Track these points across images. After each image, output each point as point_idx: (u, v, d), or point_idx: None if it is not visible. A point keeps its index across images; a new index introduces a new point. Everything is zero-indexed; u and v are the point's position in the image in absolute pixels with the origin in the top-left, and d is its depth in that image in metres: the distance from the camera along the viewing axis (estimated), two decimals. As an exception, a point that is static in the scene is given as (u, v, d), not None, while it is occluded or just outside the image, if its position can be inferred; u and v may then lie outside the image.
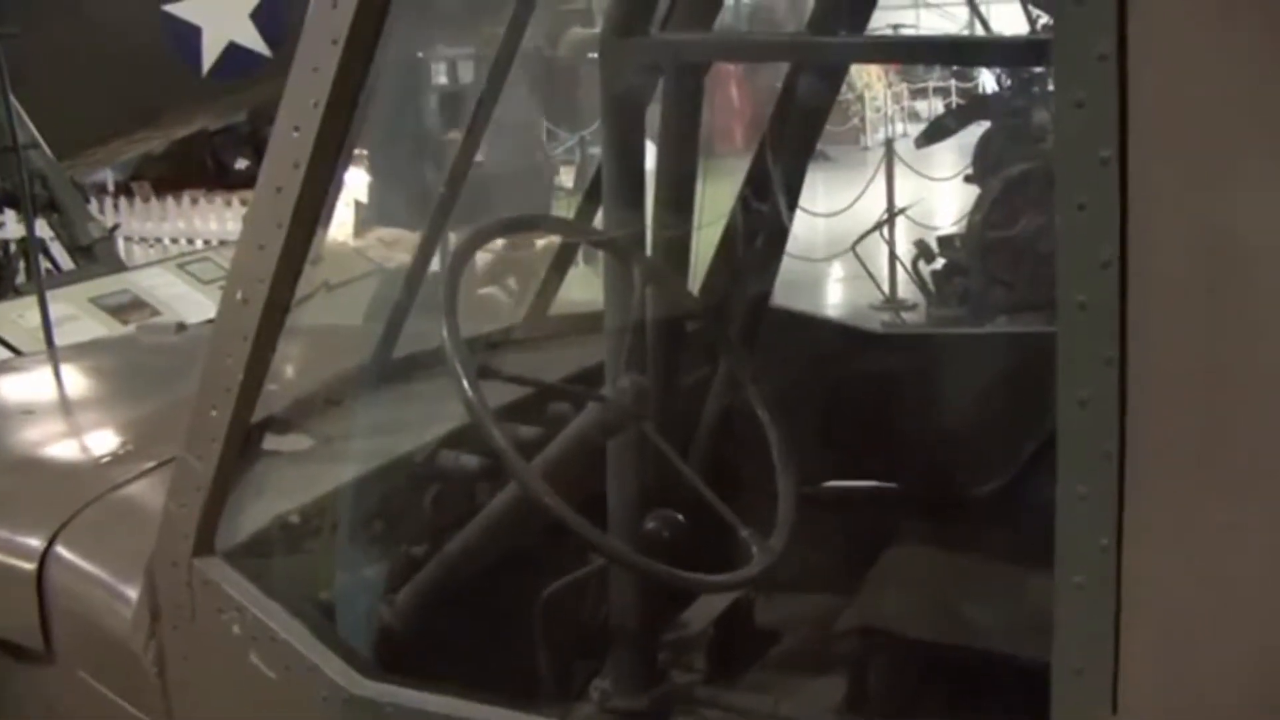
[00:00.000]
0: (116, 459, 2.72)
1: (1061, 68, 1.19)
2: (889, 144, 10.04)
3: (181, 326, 4.09)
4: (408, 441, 2.55)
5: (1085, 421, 1.22)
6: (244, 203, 13.79)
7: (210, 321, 6.41)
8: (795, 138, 2.98)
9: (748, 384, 2.47)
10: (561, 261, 2.95)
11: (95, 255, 8.92)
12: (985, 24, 10.89)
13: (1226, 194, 1.15)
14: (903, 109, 21.39)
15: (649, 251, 2.60)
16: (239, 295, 1.90)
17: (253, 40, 11.29)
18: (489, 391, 2.04)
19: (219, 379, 1.96)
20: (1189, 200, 1.16)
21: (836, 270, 9.91)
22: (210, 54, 11.60)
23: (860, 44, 2.38)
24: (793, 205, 3.12)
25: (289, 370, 2.67)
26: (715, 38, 2.48)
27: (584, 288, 3.12)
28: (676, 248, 2.61)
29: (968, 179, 8.99)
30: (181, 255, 9.12)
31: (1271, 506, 1.17)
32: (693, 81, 2.49)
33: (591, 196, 2.86)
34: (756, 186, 3.03)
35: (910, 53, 2.59)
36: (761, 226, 3.06)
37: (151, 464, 2.53)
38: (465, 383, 1.93)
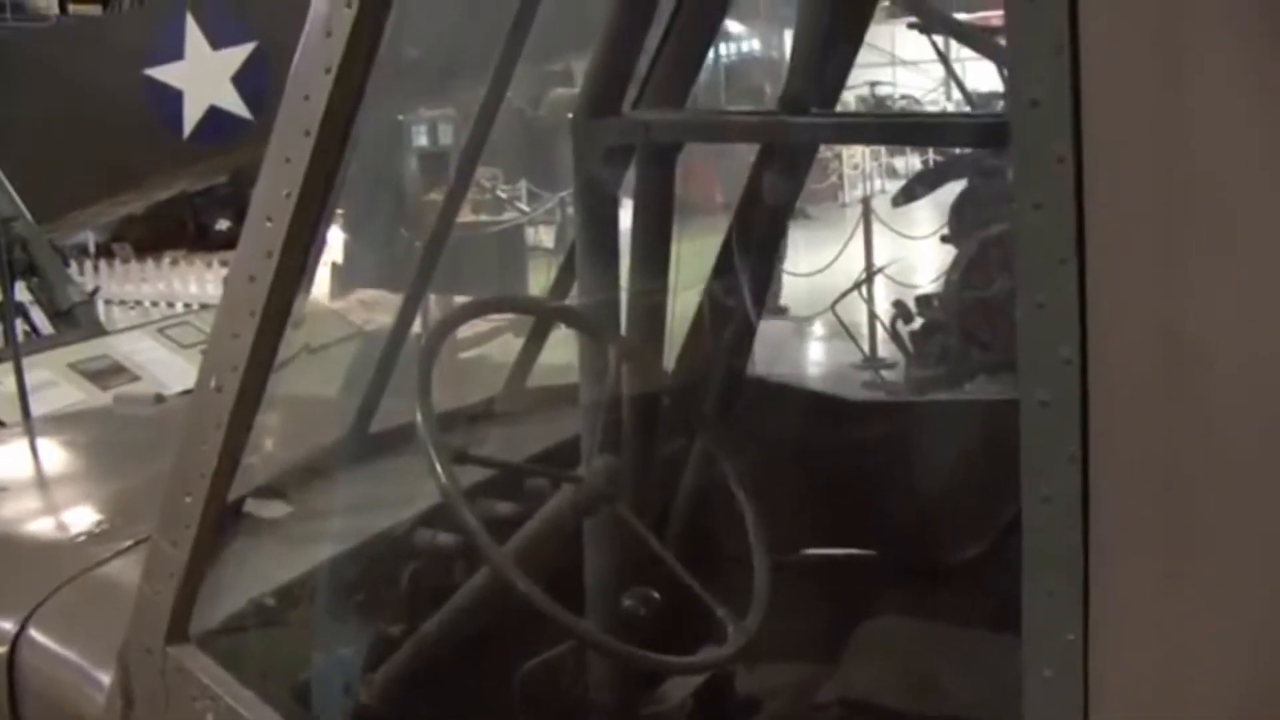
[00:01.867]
0: (92, 538, 2.70)
1: (1020, 170, 1.21)
2: (866, 202, 10.11)
3: (159, 398, 4.07)
4: (384, 520, 2.55)
5: (1050, 517, 1.23)
6: (224, 264, 13.82)
7: (188, 392, 6.38)
8: (770, 208, 3.00)
9: (723, 460, 2.48)
10: (537, 336, 2.96)
11: (75, 319, 8.90)
12: (960, 84, 11.00)
13: (1181, 293, 1.17)
14: (880, 165, 21.54)
15: (624, 326, 2.62)
16: (213, 383, 1.90)
17: (234, 104, 11.35)
18: (466, 468, 2.05)
19: (193, 465, 1.96)
20: (1146, 299, 1.18)
21: (817, 329, 9.94)
22: (192, 118, 11.66)
23: (832, 125, 2.42)
24: (769, 275, 3.15)
25: (267, 443, 2.68)
26: (686, 118, 2.51)
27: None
28: (651, 323, 2.63)
29: (944, 239, 9.06)
30: (161, 320, 9.11)
31: (1233, 600, 1.18)
32: (665, 159, 2.52)
33: (568, 270, 2.88)
34: (732, 256, 3.05)
35: (881, 134, 2.63)
36: (738, 298, 3.08)
37: (128, 543, 2.52)
38: (440, 470, 1.94)
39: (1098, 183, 1.18)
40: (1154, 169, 1.16)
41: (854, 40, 2.90)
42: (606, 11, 2.42)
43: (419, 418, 1.99)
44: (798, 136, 2.58)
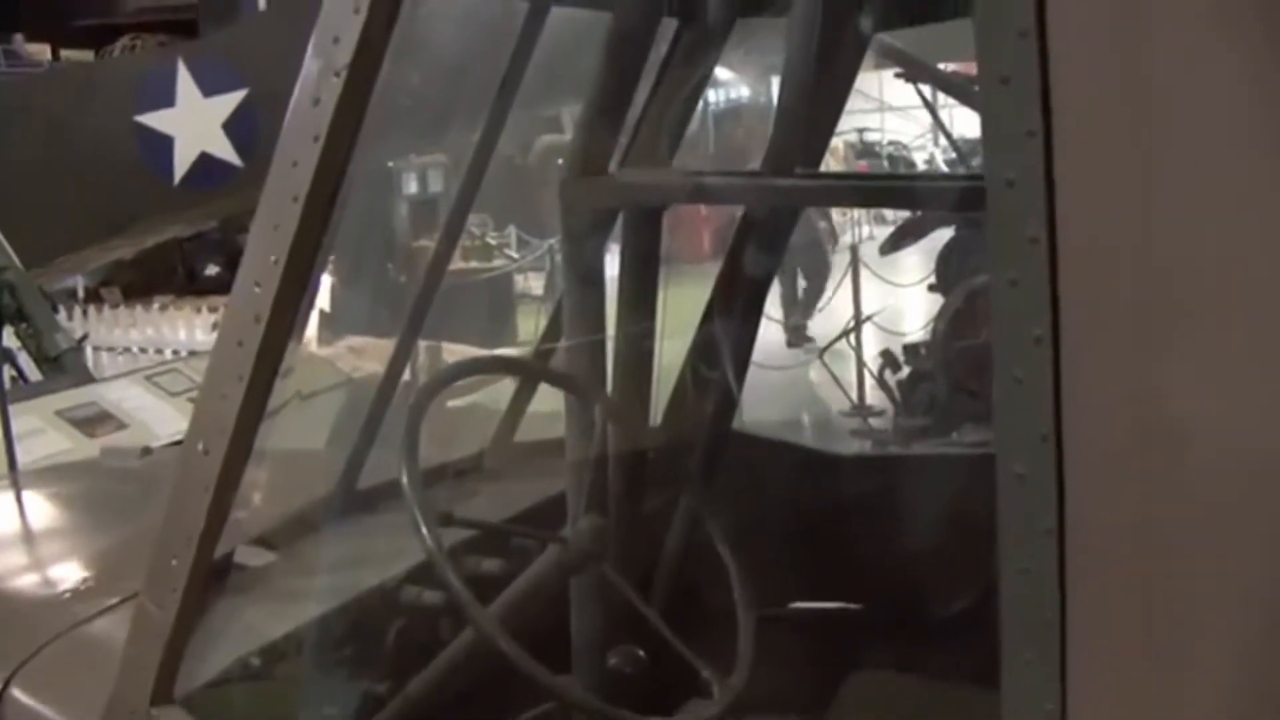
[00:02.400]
0: (77, 595, 2.70)
1: (995, 248, 1.23)
2: (854, 250, 10.17)
3: (146, 450, 4.07)
4: (371, 577, 2.55)
5: (1027, 589, 1.25)
6: (213, 310, 13.82)
7: (176, 443, 6.39)
8: (755, 265, 3.03)
9: (708, 520, 2.50)
10: (523, 394, 2.97)
11: (63, 366, 8.89)
12: (946, 132, 11.08)
13: (1155, 370, 1.19)
14: (869, 212, 21.65)
15: (610, 385, 2.63)
16: (200, 446, 1.92)
17: (225, 151, 11.40)
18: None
19: (180, 527, 1.96)
20: (1121, 376, 1.20)
21: (805, 375, 9.96)
22: (182, 164, 11.69)
23: (817, 188, 2.45)
24: (754, 330, 3.17)
25: (255, 497, 2.68)
26: (673, 179, 2.54)
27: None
28: (638, 381, 2.65)
29: (931, 288, 9.11)
30: (149, 367, 9.10)
31: (1209, 673, 1.20)
32: (651, 218, 2.54)
33: (554, 327, 2.90)
34: (719, 311, 3.07)
35: (866, 197, 2.67)
36: (724, 353, 3.10)
37: (113, 601, 2.52)
38: (426, 534, 1.95)
39: (1071, 263, 1.20)
40: (1126, 250, 1.18)
41: (838, 100, 2.94)
42: (593, 73, 2.45)
43: (404, 480, 2.00)
44: (782, 199, 2.61)
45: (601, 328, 2.61)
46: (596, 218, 2.50)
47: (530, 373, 2.85)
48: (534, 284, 13.06)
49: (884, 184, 2.47)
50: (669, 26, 2.76)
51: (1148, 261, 1.18)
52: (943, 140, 14.08)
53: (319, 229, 1.80)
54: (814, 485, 3.35)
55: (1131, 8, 1.16)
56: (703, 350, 3.10)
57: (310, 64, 1.77)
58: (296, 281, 1.81)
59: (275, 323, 1.83)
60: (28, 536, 3.41)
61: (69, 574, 2.90)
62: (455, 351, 10.03)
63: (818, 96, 2.72)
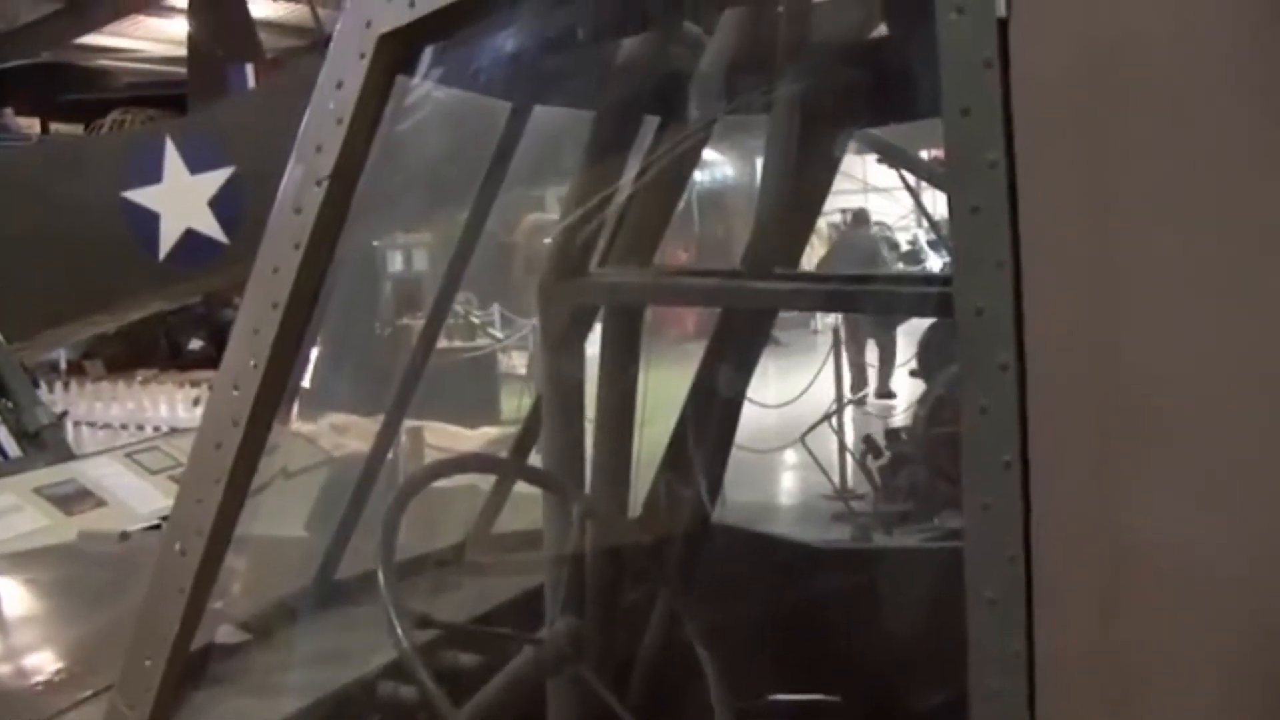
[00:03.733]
0: (50, 686, 2.68)
1: (966, 375, 1.25)
2: (836, 333, 10.22)
3: (124, 535, 4.06)
4: (348, 671, 2.53)
5: (997, 713, 1.26)
6: (196, 385, 13.81)
7: (155, 527, 6.34)
8: (737, 355, 3.05)
9: (686, 621, 2.49)
10: (502, 488, 2.98)
11: (43, 442, 8.85)
12: (928, 216, 11.17)
13: (1120, 495, 1.20)
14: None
15: (589, 477, 2.64)
16: (177, 547, 1.91)
17: (210, 228, 11.42)
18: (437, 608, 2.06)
19: (155, 628, 1.96)
20: (1087, 501, 1.22)
21: (789, 457, 9.96)
22: (168, 240, 11.70)
23: (795, 291, 2.48)
24: (734, 424, 3.18)
25: (234, 587, 2.67)
26: (651, 280, 2.57)
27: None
28: (617, 478, 2.66)
29: (913, 373, 9.15)
30: (130, 444, 9.06)
31: None
32: (631, 317, 2.57)
33: (533, 421, 2.90)
34: (699, 404, 3.09)
35: (846, 301, 2.71)
36: (704, 447, 3.11)
37: (87, 693, 2.50)
38: (402, 638, 1.95)
39: (1039, 389, 1.22)
40: (1092, 377, 1.20)
41: (817, 198, 2.98)
42: (574, 176, 2.48)
43: (381, 581, 2.00)
44: (760, 303, 2.64)
45: (580, 425, 2.62)
46: (576, 316, 2.52)
47: (509, 472, 2.86)
48: (518, 362, 13.07)
49: (862, 288, 2.50)
50: (650, 124, 2.80)
51: (1114, 390, 1.20)
52: (926, 222, 14.19)
53: (298, 334, 1.82)
54: (793, 578, 3.35)
55: (1098, 148, 1.19)
56: (683, 444, 3.11)
57: (293, 171, 1.79)
58: (275, 386, 1.83)
59: (253, 426, 1.84)
60: (3, 624, 3.39)
61: (43, 664, 2.88)
62: (438, 430, 10.03)
63: (797, 195, 2.75)
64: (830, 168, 2.91)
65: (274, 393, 1.83)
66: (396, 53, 1.72)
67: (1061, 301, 1.21)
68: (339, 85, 1.73)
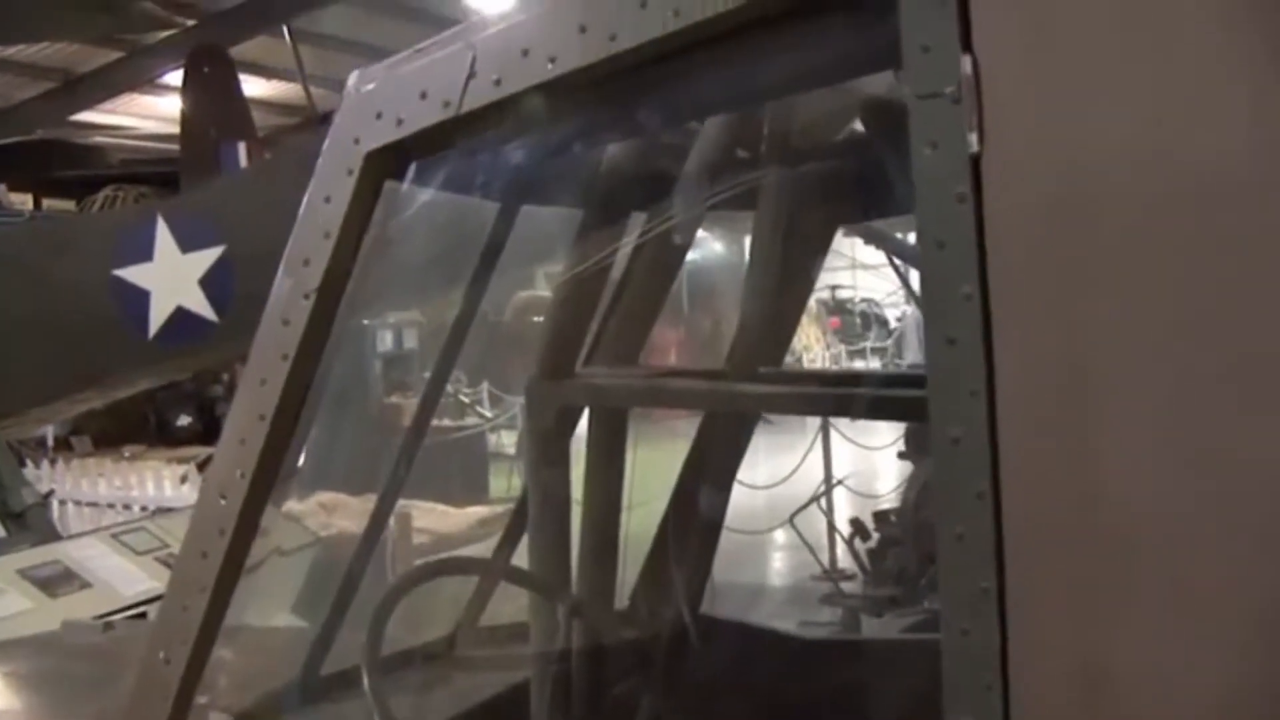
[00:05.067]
0: (30, 787, 2.66)
1: (942, 502, 1.27)
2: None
3: (108, 626, 4.03)
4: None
5: None
6: (183, 462, 13.77)
7: (141, 615, 6.29)
8: (723, 451, 3.06)
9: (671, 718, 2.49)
10: (489, 583, 2.98)
11: (27, 523, 8.83)
12: (915, 295, 11.23)
13: (1095, 625, 1.22)
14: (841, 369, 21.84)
15: (575, 573, 2.64)
16: (161, 655, 1.91)
17: (201, 306, 11.42)
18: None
19: (137, 735, 1.95)
20: (1063, 630, 1.23)
21: (778, 537, 9.95)
22: (158, 319, 11.70)
23: (781, 394, 2.51)
24: (720, 519, 3.18)
25: (219, 680, 2.66)
26: (637, 382, 2.59)
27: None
28: (603, 576, 2.66)
29: (901, 455, 9.15)
30: (116, 525, 9.03)
31: None
32: (616, 417, 2.58)
33: (519, 518, 2.91)
34: (686, 496, 3.09)
35: (834, 405, 2.74)
36: (691, 540, 3.11)
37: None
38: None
39: (1015, 517, 1.23)
40: (1068, 505, 1.22)
41: (802, 294, 3.01)
42: (560, 279, 2.51)
43: (367, 688, 2.00)
44: (745, 406, 2.66)
45: (566, 522, 2.63)
46: (561, 416, 2.53)
47: (495, 573, 2.86)
48: (506, 441, 13.07)
49: (850, 391, 2.53)
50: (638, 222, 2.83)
51: (1091, 517, 1.22)
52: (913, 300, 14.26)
53: (285, 443, 1.83)
54: (781, 671, 3.34)
55: (1071, 281, 1.22)
56: (670, 537, 3.11)
57: (281, 283, 1.81)
58: (261, 494, 1.84)
59: (240, 533, 1.85)
60: (-19, 720, 3.36)
61: (22, 764, 2.86)
62: (426, 510, 10.01)
63: (782, 294, 2.78)
64: (814, 265, 2.95)
65: (260, 501, 1.84)
66: (383, 170, 1.75)
67: (1037, 431, 1.23)
68: (327, 200, 1.75)
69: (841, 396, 2.49)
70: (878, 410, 2.36)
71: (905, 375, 2.64)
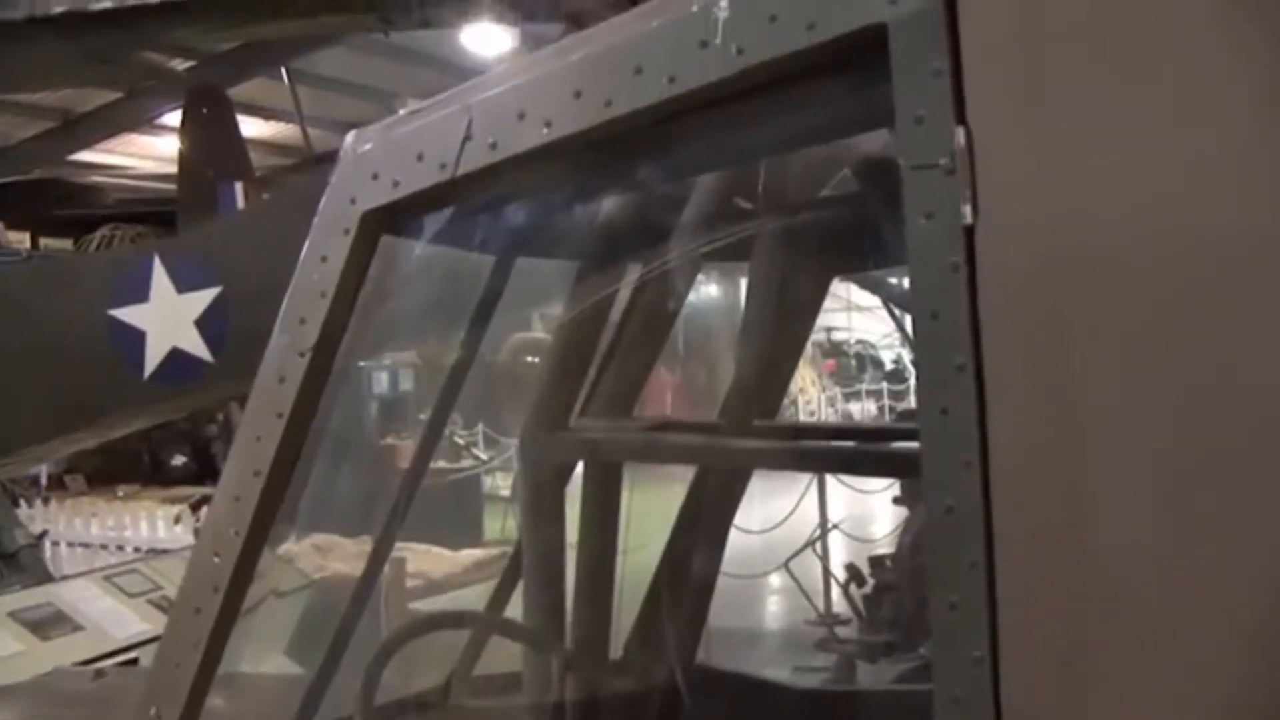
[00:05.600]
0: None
1: (936, 571, 1.27)
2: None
3: (99, 674, 4.01)
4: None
5: None
6: (176, 502, 13.73)
7: (131, 661, 6.24)
8: (718, 503, 3.06)
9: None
10: (480, 636, 2.97)
11: (20, 564, 8.81)
12: (908, 336, 11.26)
13: (1089, 688, 1.22)
14: (837, 412, 21.87)
15: (570, 622, 2.64)
16: (153, 711, 1.91)
17: (196, 347, 11.41)
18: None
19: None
20: (1057, 694, 1.23)
21: (773, 581, 9.92)
22: (153, 359, 11.68)
23: (775, 450, 2.51)
24: (715, 571, 3.18)
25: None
26: (631, 436, 2.59)
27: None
28: (597, 628, 2.65)
29: (896, 500, 9.15)
30: (109, 567, 9.00)
31: None
32: (611, 469, 2.58)
33: (513, 570, 2.90)
34: (681, 546, 3.09)
35: (827, 461, 2.74)
36: (685, 594, 3.10)
37: None
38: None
39: (1009, 587, 1.24)
40: (1061, 574, 1.22)
41: (796, 346, 3.01)
42: (556, 330, 2.51)
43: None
44: (739, 461, 2.66)
45: (561, 575, 2.63)
46: (556, 468, 2.54)
47: (489, 627, 2.86)
48: (501, 483, 13.05)
49: (845, 448, 2.53)
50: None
51: (1083, 586, 1.22)
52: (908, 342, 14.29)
53: (279, 500, 1.83)
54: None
55: (1064, 351, 1.22)
56: (665, 588, 3.11)
57: (277, 341, 1.82)
58: (255, 552, 1.83)
59: (233, 590, 1.85)
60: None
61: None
62: (420, 553, 9.97)
63: (777, 346, 2.79)
64: (810, 317, 2.95)
65: (254, 557, 1.84)
66: (379, 230, 1.76)
67: (1031, 501, 1.24)
68: (323, 259, 1.76)
69: (835, 452, 2.49)
70: (872, 466, 2.36)
71: (899, 429, 2.65)
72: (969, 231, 1.24)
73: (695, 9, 1.42)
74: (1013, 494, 1.23)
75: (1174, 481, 1.21)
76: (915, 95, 1.27)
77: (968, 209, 1.24)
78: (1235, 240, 1.21)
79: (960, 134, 1.25)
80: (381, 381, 13.14)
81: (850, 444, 2.53)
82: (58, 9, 2.64)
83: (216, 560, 1.84)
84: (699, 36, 1.41)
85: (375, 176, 1.72)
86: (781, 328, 2.75)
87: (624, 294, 2.77)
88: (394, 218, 1.76)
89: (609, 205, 2.65)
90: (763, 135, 1.77)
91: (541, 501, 2.56)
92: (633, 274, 2.82)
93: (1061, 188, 1.24)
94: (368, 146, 1.75)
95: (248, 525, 1.81)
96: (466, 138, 1.61)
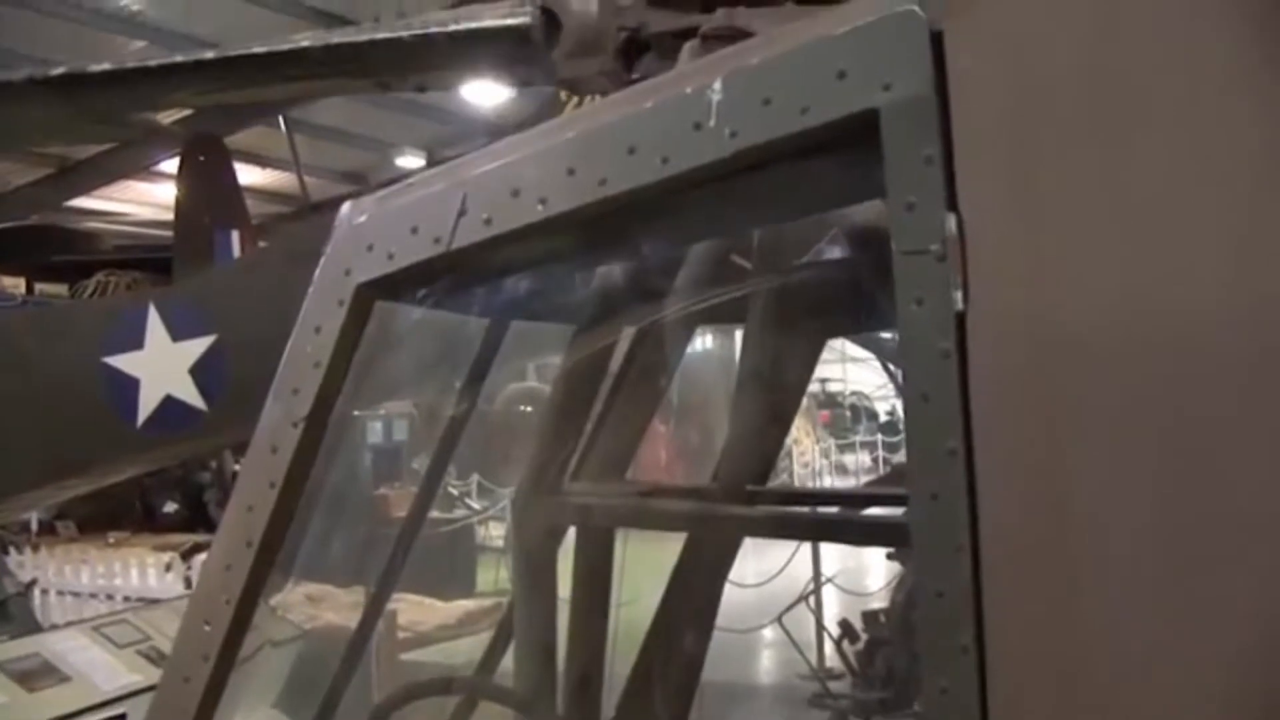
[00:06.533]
0: None
1: (928, 658, 1.27)
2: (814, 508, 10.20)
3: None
4: None
5: None
6: (167, 549, 13.65)
7: (120, 715, 6.20)
8: (711, 563, 3.05)
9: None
10: (469, 703, 2.95)
11: (8, 613, 8.75)
12: (899, 385, 11.25)
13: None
14: (831, 463, 21.85)
15: (561, 683, 2.62)
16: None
17: (190, 395, 11.39)
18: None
19: None
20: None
21: (765, 634, 9.88)
22: (147, 407, 11.65)
23: (763, 517, 2.51)
24: (707, 635, 3.16)
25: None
26: (623, 501, 2.59)
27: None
28: (589, 695, 2.64)
29: (890, 555, 9.13)
30: (98, 617, 8.94)
31: None
32: (603, 533, 2.58)
33: (504, 632, 2.89)
34: (673, 607, 3.08)
35: (820, 530, 2.75)
36: (678, 655, 3.09)
37: None
38: None
39: (999, 673, 1.24)
40: (1051, 661, 1.22)
41: (788, 415, 3.01)
42: (548, 397, 2.52)
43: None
44: (731, 531, 2.66)
45: (553, 637, 2.62)
46: (548, 531, 2.53)
47: (481, 692, 2.84)
48: (495, 534, 13.00)
49: (838, 516, 2.54)
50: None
51: (1072, 677, 1.22)
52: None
53: (269, 568, 1.82)
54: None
55: (1054, 438, 1.23)
56: (657, 649, 3.09)
57: (270, 410, 1.82)
58: (245, 620, 1.83)
59: (222, 660, 1.84)
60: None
61: None
62: (413, 603, 9.93)
63: (770, 410, 2.79)
64: (803, 378, 2.95)
65: (244, 624, 1.83)
66: (374, 300, 1.76)
67: (1021, 585, 1.24)
68: (317, 330, 1.76)
69: (828, 521, 2.49)
70: (865, 536, 2.36)
71: (893, 494, 2.65)
72: (960, 318, 1.25)
73: (689, 90, 1.44)
74: (1004, 579, 1.24)
75: (1165, 567, 1.21)
76: (907, 181, 1.28)
77: (959, 295, 1.25)
78: (1226, 326, 1.21)
79: (951, 220, 1.25)
80: (376, 431, 13.12)
81: (843, 511, 2.53)
82: (57, 71, 2.66)
83: (207, 629, 1.83)
84: (693, 118, 1.42)
85: (370, 248, 1.73)
86: (774, 392, 2.75)
87: (618, 357, 2.78)
88: (389, 290, 1.77)
89: (603, 270, 2.66)
90: (755, 209, 1.78)
91: (534, 564, 2.55)
92: (627, 337, 2.83)
93: (1053, 273, 1.25)
94: (363, 218, 1.76)
95: (239, 595, 1.80)
96: (461, 212, 1.61)
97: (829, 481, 18.59)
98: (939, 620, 1.26)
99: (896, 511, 2.33)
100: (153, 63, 2.63)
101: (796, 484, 19.13)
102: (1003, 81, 1.28)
